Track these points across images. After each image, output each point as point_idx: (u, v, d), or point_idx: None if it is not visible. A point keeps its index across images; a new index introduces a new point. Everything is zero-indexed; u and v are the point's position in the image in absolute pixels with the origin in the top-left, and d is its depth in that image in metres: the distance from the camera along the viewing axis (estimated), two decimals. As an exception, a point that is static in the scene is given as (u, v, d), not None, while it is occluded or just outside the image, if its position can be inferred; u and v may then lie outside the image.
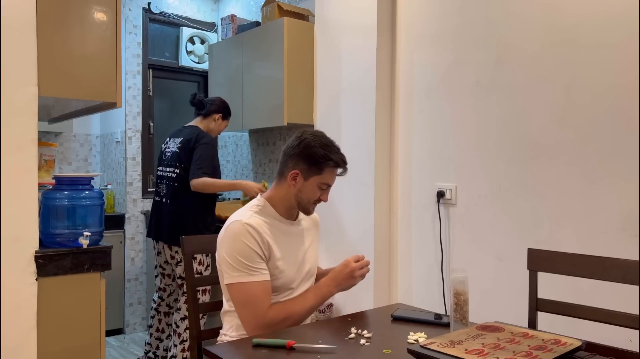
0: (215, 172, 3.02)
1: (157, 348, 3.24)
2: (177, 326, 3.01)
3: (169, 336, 3.21)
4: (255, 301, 1.56)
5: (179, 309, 3.02)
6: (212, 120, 3.17)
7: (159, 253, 3.18)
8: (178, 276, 3.05)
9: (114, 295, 4.00)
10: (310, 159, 1.66)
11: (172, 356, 3.01)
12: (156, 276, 3.24)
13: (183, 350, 2.97)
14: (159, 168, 3.17)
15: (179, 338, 3.00)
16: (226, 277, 1.61)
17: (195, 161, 2.97)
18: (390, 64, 2.64)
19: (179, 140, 3.09)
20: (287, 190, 1.70)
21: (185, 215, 2.99)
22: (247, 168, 4.15)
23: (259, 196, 1.77)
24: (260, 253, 1.60)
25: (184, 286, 2.98)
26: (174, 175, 3.04)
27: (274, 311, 1.57)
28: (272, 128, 3.62)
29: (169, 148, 3.13)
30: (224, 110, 3.21)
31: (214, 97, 3.26)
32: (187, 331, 2.95)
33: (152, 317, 3.24)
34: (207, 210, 3.07)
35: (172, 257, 3.06)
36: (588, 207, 1.92)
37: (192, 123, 3.19)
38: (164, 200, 3.09)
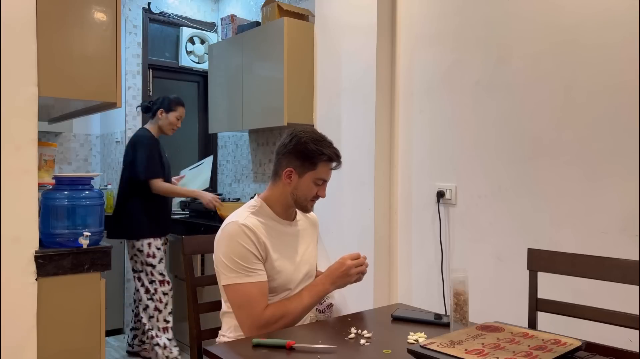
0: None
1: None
2: (142, 317, 3.20)
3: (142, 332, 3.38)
4: (251, 302, 1.56)
5: (140, 300, 3.22)
6: (159, 118, 3.28)
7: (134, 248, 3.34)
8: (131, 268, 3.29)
9: (114, 294, 4.00)
10: (303, 155, 1.65)
11: (154, 343, 3.18)
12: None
13: (152, 337, 3.17)
14: None
15: (144, 327, 3.21)
16: (223, 278, 1.60)
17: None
18: (390, 64, 2.63)
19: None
20: (283, 189, 1.70)
21: None
22: (247, 168, 4.15)
23: (256, 196, 1.77)
24: (257, 254, 1.60)
25: (137, 279, 3.22)
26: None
27: (270, 311, 1.57)
28: (272, 128, 3.62)
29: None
30: (163, 102, 3.30)
31: (158, 97, 3.39)
32: (150, 320, 3.18)
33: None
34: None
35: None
36: (588, 207, 1.91)
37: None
38: None
